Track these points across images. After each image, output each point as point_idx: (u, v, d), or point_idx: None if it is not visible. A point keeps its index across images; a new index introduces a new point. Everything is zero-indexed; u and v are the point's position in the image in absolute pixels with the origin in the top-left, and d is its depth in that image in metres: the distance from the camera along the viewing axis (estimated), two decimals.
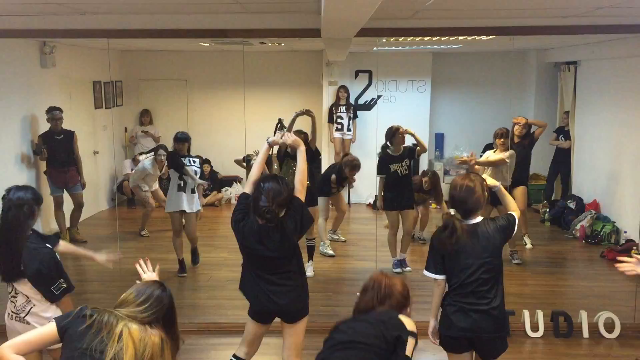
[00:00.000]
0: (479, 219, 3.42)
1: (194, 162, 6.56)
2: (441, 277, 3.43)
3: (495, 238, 3.40)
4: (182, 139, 6.51)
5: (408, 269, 6.69)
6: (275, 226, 3.47)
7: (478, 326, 3.36)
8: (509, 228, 3.46)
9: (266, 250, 3.52)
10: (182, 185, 6.48)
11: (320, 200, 7.12)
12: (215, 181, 9.95)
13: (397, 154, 6.49)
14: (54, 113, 7.21)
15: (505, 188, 6.55)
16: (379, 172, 6.59)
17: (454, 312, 3.39)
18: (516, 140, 7.09)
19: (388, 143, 6.52)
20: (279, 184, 3.43)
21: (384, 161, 6.54)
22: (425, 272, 3.51)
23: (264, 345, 4.94)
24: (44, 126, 7.37)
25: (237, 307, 5.59)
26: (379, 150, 6.82)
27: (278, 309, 3.66)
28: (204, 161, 9.97)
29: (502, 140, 6.68)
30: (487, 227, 3.42)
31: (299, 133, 6.32)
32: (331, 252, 7.31)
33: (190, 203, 6.52)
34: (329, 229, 7.68)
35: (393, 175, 6.49)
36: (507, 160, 6.63)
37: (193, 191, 6.55)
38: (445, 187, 9.78)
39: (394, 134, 6.46)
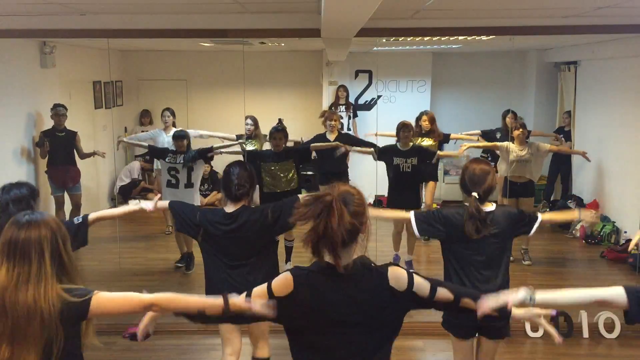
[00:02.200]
0: (491, 207, 3.42)
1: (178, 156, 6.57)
2: (417, 235, 3.52)
3: (505, 229, 3.38)
4: (179, 136, 6.55)
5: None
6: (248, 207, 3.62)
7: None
8: (522, 223, 3.45)
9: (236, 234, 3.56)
10: (172, 181, 6.51)
11: (323, 189, 7.16)
12: (215, 181, 9.95)
13: (404, 149, 6.49)
14: (57, 109, 7.25)
15: (531, 182, 6.62)
16: (377, 157, 6.60)
17: None
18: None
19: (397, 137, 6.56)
20: (243, 166, 3.70)
21: (388, 151, 6.53)
22: (415, 228, 3.49)
23: None
24: (47, 126, 7.38)
25: None
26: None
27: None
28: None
29: (520, 130, 6.76)
30: (499, 215, 3.41)
31: (280, 131, 6.36)
32: None
33: (186, 199, 6.55)
34: None
35: (396, 169, 6.49)
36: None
37: (187, 186, 6.54)
38: (445, 187, 9.82)
39: (399, 129, 6.48)
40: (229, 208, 3.59)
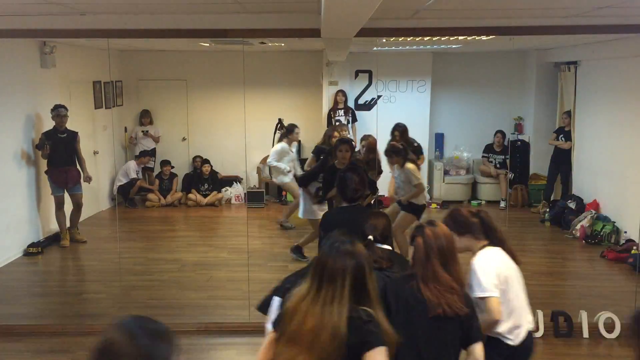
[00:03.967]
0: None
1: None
2: None
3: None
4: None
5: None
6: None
7: None
8: None
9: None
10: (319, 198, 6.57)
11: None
12: (216, 181, 9.97)
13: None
14: (59, 110, 7.24)
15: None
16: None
17: None
18: None
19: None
20: (357, 171, 4.01)
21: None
22: None
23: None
24: (47, 126, 7.39)
25: (237, 307, 5.59)
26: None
27: None
28: (204, 161, 10.00)
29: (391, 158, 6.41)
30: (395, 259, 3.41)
31: (346, 143, 6.05)
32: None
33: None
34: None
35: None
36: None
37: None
38: (445, 187, 9.83)
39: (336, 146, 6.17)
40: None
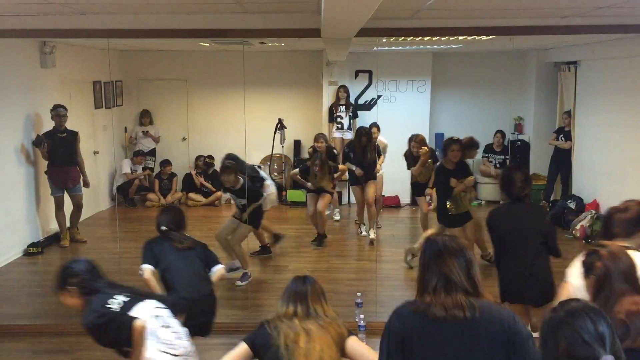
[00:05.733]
0: None
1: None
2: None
3: None
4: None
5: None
6: None
7: None
8: None
9: None
10: None
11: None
12: (216, 181, 9.97)
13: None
14: (58, 110, 7.23)
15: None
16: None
17: None
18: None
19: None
20: (523, 171, 4.41)
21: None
22: None
23: None
24: (46, 126, 7.38)
25: (237, 307, 5.60)
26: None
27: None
28: (207, 158, 9.97)
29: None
30: None
31: (457, 142, 6.18)
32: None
33: None
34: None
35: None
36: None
37: None
38: None
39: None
40: None
